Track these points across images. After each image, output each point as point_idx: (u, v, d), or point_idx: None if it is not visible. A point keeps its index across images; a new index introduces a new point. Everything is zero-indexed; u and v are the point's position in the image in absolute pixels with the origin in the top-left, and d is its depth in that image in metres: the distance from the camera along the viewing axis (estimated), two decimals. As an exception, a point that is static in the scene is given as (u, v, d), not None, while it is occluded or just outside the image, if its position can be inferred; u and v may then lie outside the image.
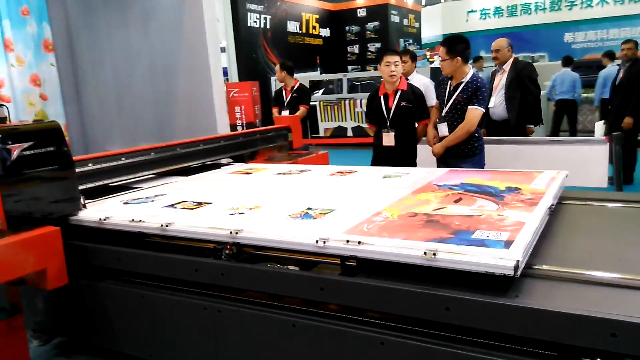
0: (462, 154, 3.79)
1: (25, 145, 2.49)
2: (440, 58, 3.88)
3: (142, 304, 2.46)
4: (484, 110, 3.73)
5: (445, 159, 3.88)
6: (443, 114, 3.85)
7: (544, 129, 8.87)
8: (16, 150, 2.45)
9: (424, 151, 4.18)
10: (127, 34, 6.14)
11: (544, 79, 9.33)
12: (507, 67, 4.87)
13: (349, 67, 13.71)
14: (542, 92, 9.04)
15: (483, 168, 3.77)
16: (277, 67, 6.36)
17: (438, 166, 3.88)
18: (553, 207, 2.41)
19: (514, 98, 4.77)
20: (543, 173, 2.95)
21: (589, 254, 2.03)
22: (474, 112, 3.68)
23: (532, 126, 4.95)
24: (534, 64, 12.87)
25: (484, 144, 3.87)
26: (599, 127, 6.46)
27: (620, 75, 6.40)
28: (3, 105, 2.99)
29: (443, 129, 3.82)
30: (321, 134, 10.07)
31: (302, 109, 5.91)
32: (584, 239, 2.25)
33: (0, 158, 2.40)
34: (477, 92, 3.67)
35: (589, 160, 3.92)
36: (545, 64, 11.78)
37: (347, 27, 13.93)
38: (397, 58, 4.08)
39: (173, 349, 2.42)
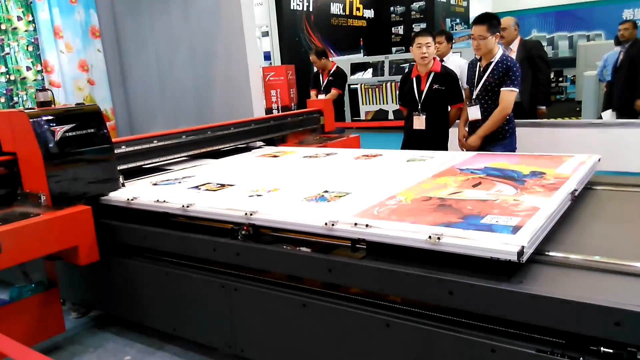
0: (491, 137, 3.69)
1: (68, 127, 2.67)
2: (473, 38, 3.73)
3: (166, 281, 2.58)
4: (517, 91, 3.62)
5: None
6: (474, 97, 3.76)
7: (594, 111, 8.46)
8: (59, 131, 2.63)
9: (456, 135, 4.11)
10: (169, 20, 6.30)
11: (598, 58, 8.86)
12: (514, 47, 4.68)
13: (393, 49, 13.47)
14: (593, 73, 8.65)
15: (514, 151, 3.66)
16: (314, 57, 6.27)
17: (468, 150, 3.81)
18: (577, 192, 2.33)
19: (524, 78, 4.59)
20: (573, 157, 2.85)
21: (607, 242, 1.97)
22: (508, 94, 3.57)
23: (543, 107, 4.76)
24: (591, 42, 12.27)
25: (516, 126, 3.75)
26: (607, 116, 6.21)
27: (621, 57, 6.13)
28: (48, 89, 3.19)
29: (474, 112, 3.73)
30: (362, 117, 10.01)
31: (334, 92, 5.97)
32: (605, 225, 2.17)
33: (45, 138, 2.58)
34: (509, 72, 3.56)
35: (630, 143, 3.73)
36: (600, 43, 11.19)
37: (391, 8, 13.65)
38: (428, 39, 3.99)
39: (193, 324, 2.53)
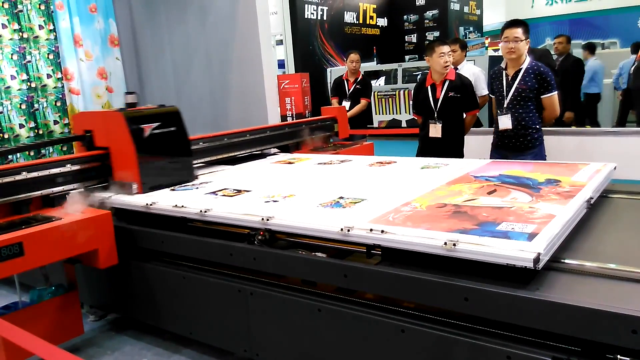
0: (521, 146, 3.63)
1: (155, 125, 3.08)
2: (507, 41, 3.57)
3: (183, 285, 2.61)
4: (556, 92, 3.61)
5: (504, 152, 3.73)
6: (505, 106, 3.67)
7: (610, 119, 8.40)
8: (148, 129, 3.04)
9: (471, 142, 4.11)
10: (186, 29, 6.40)
11: (613, 66, 8.81)
12: None
13: (407, 57, 13.49)
14: (609, 81, 8.60)
15: (544, 159, 3.61)
16: (359, 64, 6.04)
17: (493, 158, 3.74)
18: (592, 200, 2.33)
19: None
20: (588, 165, 2.84)
21: (623, 249, 1.96)
22: (550, 100, 3.57)
23: None
24: (606, 50, 12.18)
25: (543, 135, 3.70)
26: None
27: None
28: (135, 92, 3.52)
29: (505, 121, 3.65)
30: (375, 125, 10.03)
31: (363, 102, 5.80)
32: (621, 233, 2.16)
33: (137, 135, 2.97)
34: (546, 78, 3.54)
35: (647, 152, 3.71)
36: (615, 51, 11.11)
37: (405, 16, 13.69)
38: (449, 48, 4.02)
39: (210, 328, 2.56)
